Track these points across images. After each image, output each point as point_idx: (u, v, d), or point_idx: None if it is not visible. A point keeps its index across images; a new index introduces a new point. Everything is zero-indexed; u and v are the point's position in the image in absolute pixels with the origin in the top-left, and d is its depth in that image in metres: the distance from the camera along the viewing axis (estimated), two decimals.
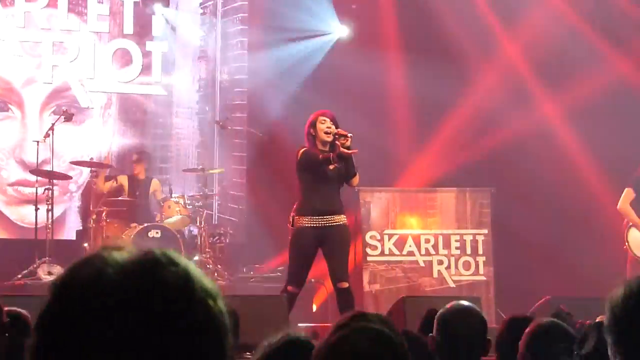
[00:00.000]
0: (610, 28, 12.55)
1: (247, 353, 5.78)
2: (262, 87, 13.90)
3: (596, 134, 12.16)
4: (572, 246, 11.89)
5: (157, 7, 13.79)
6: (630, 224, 10.38)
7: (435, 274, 11.63)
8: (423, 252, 11.65)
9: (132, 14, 13.68)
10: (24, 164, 12.83)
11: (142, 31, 13.77)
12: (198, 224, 11.88)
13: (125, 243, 10.98)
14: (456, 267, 11.65)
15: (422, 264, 11.64)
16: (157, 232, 11.31)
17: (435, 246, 11.67)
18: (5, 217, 12.97)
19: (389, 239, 11.63)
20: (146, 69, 13.67)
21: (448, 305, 4.15)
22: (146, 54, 13.70)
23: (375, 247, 11.60)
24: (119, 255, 1.35)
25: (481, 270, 11.66)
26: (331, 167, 8.17)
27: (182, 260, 1.37)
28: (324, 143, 8.25)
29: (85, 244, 11.63)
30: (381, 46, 13.84)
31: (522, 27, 13.05)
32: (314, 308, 11.39)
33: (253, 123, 13.63)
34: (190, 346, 1.30)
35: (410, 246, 11.63)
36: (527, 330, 3.83)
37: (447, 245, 11.68)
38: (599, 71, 12.46)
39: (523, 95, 13.05)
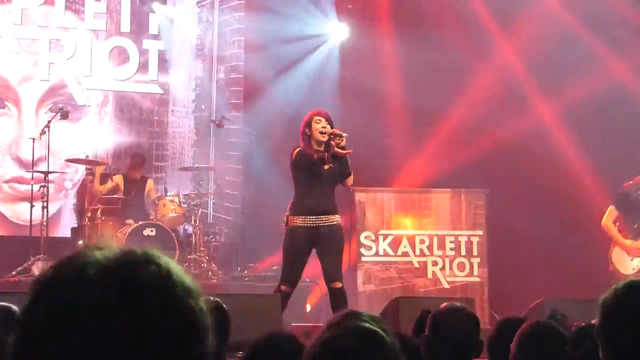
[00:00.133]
0: (605, 30, 12.55)
1: (240, 352, 5.78)
2: (258, 86, 13.90)
3: (591, 135, 12.18)
4: (567, 248, 11.91)
5: (154, 6, 13.79)
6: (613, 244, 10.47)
7: (429, 275, 11.63)
8: (418, 252, 11.65)
9: (129, 12, 13.69)
10: (19, 161, 12.83)
11: (139, 29, 13.77)
12: (193, 222, 11.89)
13: (116, 241, 11.02)
14: (451, 268, 11.65)
15: (416, 265, 11.64)
16: (152, 230, 11.32)
17: (429, 247, 11.67)
18: (0, 214, 12.96)
19: (383, 240, 11.63)
20: (143, 67, 13.68)
21: (441, 306, 4.15)
22: (143, 52, 13.71)
23: (369, 248, 11.60)
24: (101, 254, 1.35)
25: (475, 272, 11.66)
26: (326, 167, 8.17)
27: (163, 259, 1.37)
28: (319, 143, 8.24)
29: (80, 242, 11.63)
30: (378, 46, 13.84)
31: (517, 29, 13.06)
32: (308, 308, 11.39)
33: (249, 122, 13.63)
34: (170, 344, 1.31)
35: (404, 247, 11.63)
36: (518, 331, 3.83)
37: (441, 246, 11.68)
38: (594, 73, 12.46)
39: (518, 97, 13.05)
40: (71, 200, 13.21)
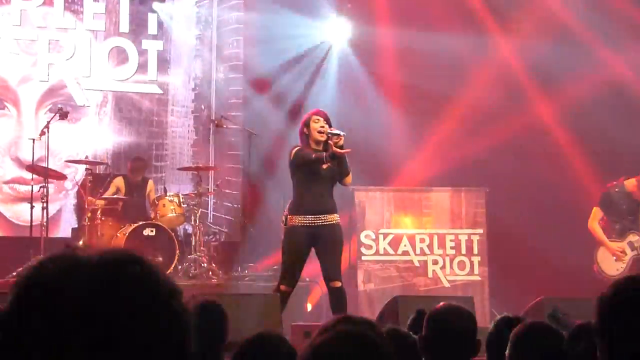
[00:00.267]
0: (604, 28, 12.53)
1: None
2: (258, 85, 13.90)
3: (591, 134, 12.17)
4: (567, 246, 11.89)
5: (154, 5, 13.78)
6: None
7: (430, 274, 11.64)
8: (418, 251, 11.66)
9: (127, 13, 13.68)
10: (19, 162, 12.82)
11: (138, 29, 13.76)
12: (193, 222, 11.88)
13: (115, 241, 11.01)
14: (451, 266, 11.66)
15: (416, 264, 11.65)
16: (151, 231, 11.32)
17: (430, 246, 11.68)
18: (0, 215, 12.96)
19: (383, 239, 11.63)
20: (142, 67, 13.67)
21: (438, 305, 4.14)
22: (142, 53, 13.70)
23: (370, 247, 11.61)
24: (83, 255, 1.36)
25: (476, 270, 11.67)
26: (324, 166, 8.17)
27: (145, 259, 1.38)
28: (318, 142, 8.25)
29: (80, 242, 11.63)
30: (377, 44, 13.84)
31: (517, 26, 13.04)
32: (309, 307, 11.38)
33: (248, 122, 13.63)
34: (152, 344, 1.32)
35: (405, 246, 11.64)
36: (513, 331, 3.82)
37: (442, 245, 11.69)
38: (593, 71, 12.45)
39: (518, 95, 13.04)
40: (71, 200, 13.20)
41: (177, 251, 11.35)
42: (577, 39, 12.58)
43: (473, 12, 13.24)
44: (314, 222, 8.19)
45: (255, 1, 14.06)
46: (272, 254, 11.70)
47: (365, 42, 13.89)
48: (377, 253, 11.61)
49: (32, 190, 11.57)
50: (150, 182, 12.37)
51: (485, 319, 10.20)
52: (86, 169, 11.98)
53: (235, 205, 13.77)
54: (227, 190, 13.78)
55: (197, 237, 11.75)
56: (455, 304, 4.20)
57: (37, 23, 13.28)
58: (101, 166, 12.75)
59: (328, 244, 8.22)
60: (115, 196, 11.94)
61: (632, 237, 10.34)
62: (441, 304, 4.18)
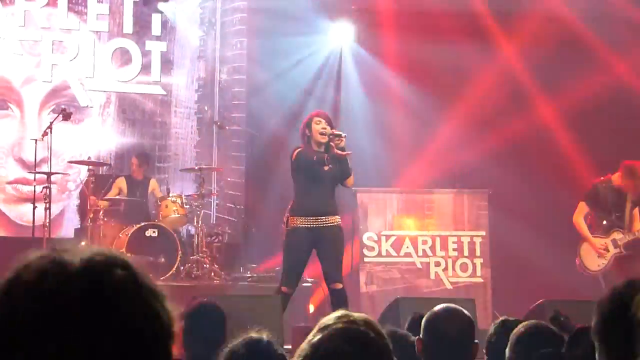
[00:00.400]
0: (607, 30, 12.52)
1: None
2: (261, 87, 13.89)
3: (594, 135, 12.16)
4: (570, 248, 11.86)
5: (159, 5, 13.78)
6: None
7: (432, 276, 11.63)
8: (420, 253, 11.64)
9: (131, 14, 13.67)
10: (22, 163, 12.82)
11: (142, 30, 13.76)
12: (195, 223, 11.86)
13: (118, 242, 11.00)
14: (453, 268, 11.65)
15: (419, 266, 11.64)
16: (154, 232, 11.31)
17: (432, 248, 11.67)
18: (3, 215, 12.96)
19: (386, 240, 11.63)
20: (145, 68, 13.66)
21: (435, 308, 4.13)
22: (145, 54, 13.69)
23: (372, 248, 11.60)
24: (66, 257, 1.35)
25: (478, 272, 11.66)
26: (325, 167, 8.17)
27: (130, 262, 1.38)
28: (319, 143, 8.25)
29: (83, 243, 11.62)
30: (380, 46, 13.84)
31: (520, 28, 13.03)
32: (311, 309, 11.38)
33: (252, 123, 13.63)
34: (136, 347, 1.31)
35: (407, 247, 11.63)
36: (513, 333, 3.81)
37: (444, 246, 11.68)
38: (597, 74, 12.44)
39: (521, 97, 13.03)
40: (74, 201, 13.20)
41: (180, 252, 11.33)
42: (581, 42, 12.57)
43: (476, 17, 13.22)
44: (315, 224, 8.19)
45: (258, 3, 14.04)
46: (274, 256, 11.69)
47: (369, 43, 13.90)
48: (379, 255, 11.60)
49: (34, 191, 11.57)
50: (153, 181, 12.34)
51: (487, 321, 10.16)
52: (89, 170, 11.97)
53: (238, 207, 13.76)
54: (229, 192, 13.77)
55: (200, 238, 11.73)
56: (453, 306, 4.19)
57: (41, 24, 13.28)
58: (104, 167, 12.73)
59: (329, 246, 8.22)
60: (117, 197, 11.93)
61: (617, 235, 10.34)
62: (438, 306, 4.17)
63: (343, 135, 8.15)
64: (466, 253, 11.67)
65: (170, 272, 11.21)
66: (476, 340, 4.14)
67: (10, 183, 12.96)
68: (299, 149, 8.27)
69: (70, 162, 12.36)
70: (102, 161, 12.70)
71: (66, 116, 11.71)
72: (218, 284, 11.39)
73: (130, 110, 13.68)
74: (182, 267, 11.41)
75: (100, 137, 13.37)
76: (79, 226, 12.65)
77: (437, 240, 11.69)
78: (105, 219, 11.53)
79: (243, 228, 13.34)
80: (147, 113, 13.76)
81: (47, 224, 11.35)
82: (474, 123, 12.90)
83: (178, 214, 11.74)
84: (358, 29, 14.06)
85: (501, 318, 4.47)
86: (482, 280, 11.63)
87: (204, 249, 11.76)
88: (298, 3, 13.52)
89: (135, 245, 11.14)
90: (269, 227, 12.15)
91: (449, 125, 13.10)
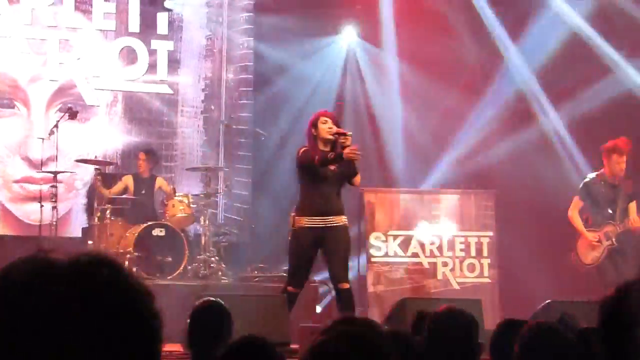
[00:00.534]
0: (616, 35, 12.49)
1: None
2: (267, 86, 13.89)
3: (600, 136, 12.11)
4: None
5: (165, 3, 13.78)
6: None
7: (439, 276, 11.62)
8: (427, 253, 11.64)
9: (138, 12, 13.67)
10: (29, 161, 12.84)
11: (148, 29, 13.75)
12: (202, 223, 11.86)
13: (125, 241, 11.01)
14: (461, 269, 11.64)
15: (426, 266, 11.63)
16: (161, 231, 11.31)
17: (439, 248, 11.66)
18: (10, 214, 12.97)
19: (393, 240, 11.62)
20: (152, 67, 13.66)
21: (439, 308, 4.12)
22: (152, 52, 13.69)
23: (379, 248, 11.59)
24: (53, 258, 1.35)
25: (486, 273, 11.65)
26: (332, 167, 8.15)
27: (117, 262, 1.38)
28: (326, 143, 8.23)
29: (90, 242, 11.63)
30: (387, 48, 13.84)
31: (527, 31, 13.01)
32: (318, 309, 11.36)
33: (258, 122, 13.62)
34: (122, 347, 1.31)
35: (414, 248, 11.62)
36: (520, 333, 3.78)
37: (451, 247, 11.67)
38: (603, 76, 12.41)
39: (528, 98, 13.01)
40: (82, 200, 13.19)
41: (187, 251, 11.33)
42: (588, 44, 12.54)
43: (484, 15, 13.21)
44: (321, 224, 8.17)
45: (265, 2, 14.04)
46: (281, 255, 11.67)
47: (375, 42, 13.91)
48: (386, 255, 11.60)
49: (41, 190, 11.58)
50: (160, 179, 12.30)
51: (494, 321, 10.06)
52: (95, 169, 11.97)
53: (245, 206, 13.76)
54: (236, 191, 13.77)
55: (207, 238, 11.74)
56: (457, 306, 4.17)
57: (48, 22, 13.29)
58: (111, 166, 12.73)
59: (335, 246, 8.20)
60: (124, 196, 11.93)
61: (608, 228, 10.39)
62: (442, 306, 4.15)
63: (349, 134, 8.14)
64: (473, 253, 11.66)
65: (177, 272, 11.21)
66: (481, 341, 4.12)
67: (16, 182, 12.97)
68: (304, 149, 8.26)
69: (77, 160, 12.35)
70: (108, 160, 12.69)
71: (72, 115, 11.73)
72: (225, 283, 11.39)
73: (136, 109, 13.69)
74: (189, 267, 11.42)
75: (107, 136, 13.37)
76: (86, 225, 12.65)
77: (445, 240, 11.68)
78: (112, 218, 11.52)
79: (250, 228, 13.35)
80: (153, 112, 13.75)
81: (54, 223, 11.37)
82: (481, 123, 12.88)
83: (185, 213, 11.74)
84: (363, 25, 14.06)
85: (506, 319, 4.45)
86: (489, 281, 11.62)
87: (210, 248, 11.76)
88: (305, 2, 13.50)
89: (142, 245, 11.14)
90: (276, 227, 12.13)
91: (457, 124, 13.09)
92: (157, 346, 1.37)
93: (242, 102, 14.06)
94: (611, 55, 12.47)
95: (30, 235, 12.13)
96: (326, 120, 8.28)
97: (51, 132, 11.60)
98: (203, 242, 11.74)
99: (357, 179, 8.34)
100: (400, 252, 11.60)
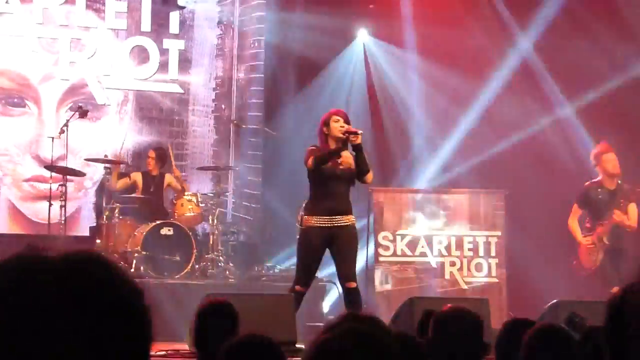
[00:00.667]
0: (631, 31, 12.47)
1: None
2: (278, 86, 13.91)
3: (612, 136, 12.10)
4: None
5: (175, 5, 13.81)
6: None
7: (447, 275, 11.63)
8: (435, 253, 11.64)
9: (149, 12, 13.69)
10: (39, 160, 12.86)
11: (160, 29, 13.78)
12: (210, 222, 11.88)
13: (133, 240, 11.02)
14: (469, 268, 11.64)
15: (434, 265, 11.64)
16: (169, 230, 11.32)
17: (447, 247, 11.66)
18: (19, 213, 13.01)
19: (401, 240, 11.63)
20: (163, 66, 13.69)
21: (444, 308, 4.13)
22: (163, 52, 13.71)
23: (387, 248, 11.61)
24: (43, 256, 1.36)
25: (494, 272, 11.65)
26: (341, 167, 8.20)
27: (108, 260, 1.39)
28: (337, 141, 8.28)
29: (98, 240, 11.67)
30: (398, 47, 13.85)
31: (539, 28, 12.99)
32: (325, 308, 11.38)
33: (269, 122, 13.64)
34: (113, 344, 1.32)
35: (422, 247, 11.62)
36: (527, 333, 3.80)
37: (459, 246, 11.67)
38: (618, 76, 12.40)
39: (538, 97, 13.00)
40: (91, 199, 13.23)
41: (195, 250, 11.35)
42: (603, 42, 12.52)
43: (495, 11, 13.21)
44: (329, 223, 8.21)
45: (276, 2, 14.06)
46: (290, 254, 11.71)
47: (388, 41, 13.94)
48: (394, 254, 11.61)
49: (50, 189, 11.62)
50: (168, 175, 12.28)
51: (502, 321, 10.13)
52: (105, 168, 12.01)
53: (255, 205, 13.79)
54: (246, 190, 13.80)
55: (215, 237, 11.76)
56: (462, 306, 4.19)
57: (59, 21, 13.32)
58: (121, 165, 12.75)
59: (343, 245, 8.24)
60: (133, 195, 11.95)
61: (599, 229, 10.46)
62: (448, 306, 4.17)
63: (359, 132, 8.19)
64: (481, 253, 11.66)
65: (185, 271, 11.23)
66: (488, 341, 4.13)
67: (26, 180, 13.00)
68: (314, 148, 8.29)
69: (87, 159, 12.39)
70: (119, 159, 12.71)
71: (83, 114, 11.77)
72: (233, 282, 11.42)
73: (147, 109, 13.71)
74: (197, 266, 11.44)
75: (118, 135, 13.39)
76: (95, 224, 12.68)
77: (453, 239, 11.68)
78: (121, 217, 11.56)
79: (259, 227, 13.37)
80: (164, 111, 13.78)
81: (63, 222, 11.40)
82: (492, 122, 12.88)
83: (193, 212, 11.76)
84: (376, 27, 14.09)
85: (511, 318, 4.46)
86: (497, 281, 11.62)
87: (219, 247, 11.79)
88: (317, 1, 13.50)
89: (150, 244, 11.16)
90: (286, 226, 12.16)
91: (467, 124, 13.09)
92: (147, 343, 1.37)
93: (252, 101, 14.08)
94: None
95: (39, 233, 12.17)
96: (338, 119, 8.32)
97: (61, 131, 11.63)
98: (211, 241, 11.77)
99: (369, 176, 8.38)
100: (408, 251, 11.61)
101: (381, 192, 11.78)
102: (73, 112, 11.92)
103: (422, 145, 13.36)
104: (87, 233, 12.77)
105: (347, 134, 8.19)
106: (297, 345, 7.57)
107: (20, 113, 13.14)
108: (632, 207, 10.41)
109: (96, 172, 12.90)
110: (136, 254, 11.10)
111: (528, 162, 12.48)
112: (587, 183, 10.69)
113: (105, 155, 12.26)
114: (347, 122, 8.36)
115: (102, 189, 12.33)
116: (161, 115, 13.78)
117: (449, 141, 13.13)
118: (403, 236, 11.63)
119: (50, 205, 11.41)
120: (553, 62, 12.90)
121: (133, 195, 11.95)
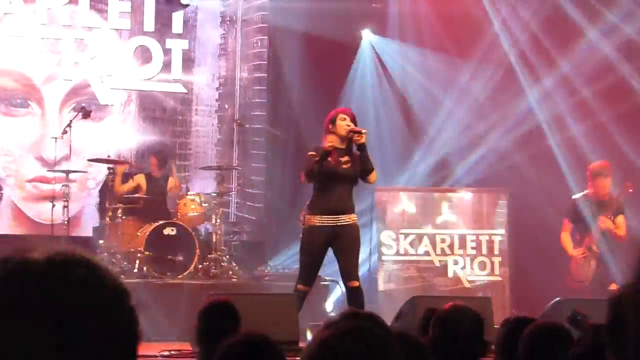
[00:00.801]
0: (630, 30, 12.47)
1: None
2: (281, 85, 13.91)
3: (615, 136, 12.11)
4: None
5: (179, 4, 13.82)
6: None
7: (450, 274, 11.63)
8: (438, 251, 11.64)
9: (152, 12, 13.70)
10: (42, 161, 12.86)
11: (163, 28, 13.79)
12: (213, 221, 11.88)
13: (136, 240, 11.00)
14: (472, 267, 11.64)
15: (437, 264, 11.64)
16: (172, 230, 11.31)
17: (450, 246, 11.67)
18: (22, 213, 13.01)
19: (404, 239, 11.63)
20: (166, 66, 13.69)
21: (445, 306, 4.14)
22: (166, 52, 13.72)
23: (390, 247, 11.61)
24: (28, 257, 1.35)
25: (497, 271, 11.65)
26: (344, 166, 8.21)
27: (93, 261, 1.38)
28: (342, 140, 8.29)
29: (101, 241, 11.68)
30: (402, 44, 13.86)
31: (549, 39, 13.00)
32: (328, 307, 11.39)
33: (272, 121, 13.65)
34: (98, 345, 1.32)
35: (425, 246, 11.63)
36: (526, 331, 3.81)
37: (462, 245, 11.67)
38: (624, 76, 12.39)
39: (544, 97, 12.99)
40: (94, 199, 13.23)
41: (198, 250, 11.33)
42: (613, 42, 12.51)
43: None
44: (332, 222, 8.22)
45: (280, 1, 14.06)
46: (293, 254, 11.71)
47: (392, 40, 13.94)
48: (397, 253, 11.61)
49: (54, 189, 11.63)
50: (171, 179, 12.32)
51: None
52: (108, 168, 12.01)
53: (258, 205, 13.79)
54: (250, 190, 13.80)
55: (218, 237, 11.75)
56: (464, 304, 4.19)
57: (63, 22, 13.33)
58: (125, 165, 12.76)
59: (346, 244, 8.25)
60: (136, 195, 11.96)
61: (587, 239, 10.45)
62: (449, 304, 4.18)
63: (363, 131, 8.23)
64: (484, 252, 11.66)
65: (188, 271, 11.22)
66: (490, 339, 4.14)
67: (29, 181, 13.01)
68: (311, 154, 8.30)
69: (90, 160, 12.39)
70: (122, 159, 12.71)
71: (86, 114, 11.77)
72: (236, 282, 11.41)
73: (151, 109, 13.72)
74: (199, 266, 11.42)
75: (121, 135, 13.40)
76: (98, 224, 12.69)
77: (456, 238, 11.68)
78: (124, 217, 11.55)
79: (262, 226, 13.37)
80: (168, 111, 13.79)
81: (66, 222, 11.40)
82: (496, 121, 12.88)
83: (196, 212, 11.77)
84: (380, 26, 14.10)
85: (512, 316, 4.46)
86: (500, 279, 11.62)
87: (222, 247, 11.79)
88: (321, 1, 13.50)
89: (153, 244, 11.15)
90: (290, 226, 12.16)
91: (470, 122, 13.09)
92: (133, 344, 1.37)
93: (256, 100, 14.09)
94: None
95: (42, 234, 12.18)
96: (345, 117, 8.35)
97: (64, 132, 11.62)
98: (214, 240, 11.76)
99: (373, 175, 8.39)
100: (411, 250, 11.62)
101: (384, 191, 11.79)
102: (76, 113, 11.93)
103: (427, 143, 13.36)
104: (90, 233, 12.77)
105: (351, 133, 8.22)
106: (300, 345, 7.58)
107: (23, 113, 13.15)
108: (620, 218, 10.40)
109: (99, 172, 12.89)
110: (139, 254, 11.10)
111: (532, 160, 12.47)
112: (575, 196, 10.68)
113: (109, 156, 12.26)
114: (353, 121, 8.38)
115: (105, 189, 12.33)
116: (164, 115, 13.79)
117: (454, 139, 13.13)
118: (406, 235, 11.63)
119: (53, 205, 11.42)
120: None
121: (136, 195, 11.95)
